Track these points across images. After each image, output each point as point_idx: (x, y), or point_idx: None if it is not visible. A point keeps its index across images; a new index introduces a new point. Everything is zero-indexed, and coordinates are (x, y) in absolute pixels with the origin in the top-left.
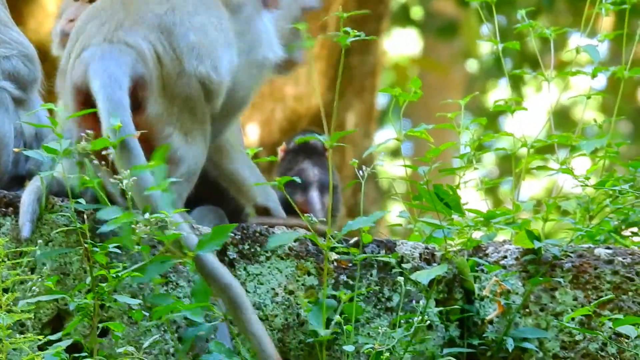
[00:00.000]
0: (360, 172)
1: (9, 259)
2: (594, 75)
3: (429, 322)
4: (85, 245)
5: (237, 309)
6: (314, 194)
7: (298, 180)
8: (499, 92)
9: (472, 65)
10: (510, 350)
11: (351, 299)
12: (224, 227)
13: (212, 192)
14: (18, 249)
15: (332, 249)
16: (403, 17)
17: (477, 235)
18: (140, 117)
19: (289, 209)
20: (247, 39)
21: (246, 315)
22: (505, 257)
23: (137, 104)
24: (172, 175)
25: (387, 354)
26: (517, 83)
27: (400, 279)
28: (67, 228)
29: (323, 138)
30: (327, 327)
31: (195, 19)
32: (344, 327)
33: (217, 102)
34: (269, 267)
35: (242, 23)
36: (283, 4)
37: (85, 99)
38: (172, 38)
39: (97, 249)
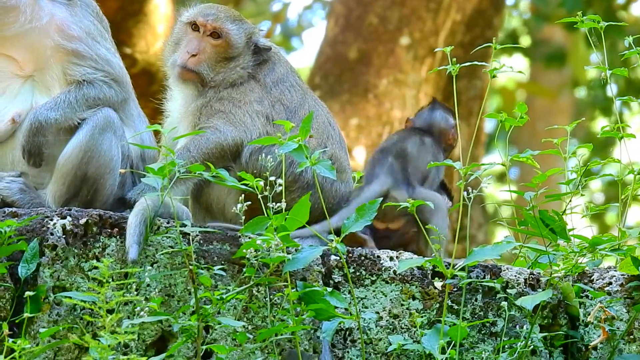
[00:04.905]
0: (465, 193)
1: (113, 280)
2: None
3: (532, 347)
4: (191, 267)
5: None
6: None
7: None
8: (605, 120)
9: (579, 91)
10: None
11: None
12: (367, 205)
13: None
14: (123, 270)
15: (441, 275)
16: (511, 44)
17: (582, 261)
18: None
19: None
20: None
21: None
22: (610, 283)
23: None
24: None
25: None
26: (621, 112)
27: (505, 304)
28: (172, 250)
29: (457, 165)
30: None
31: None
32: (448, 351)
33: None
34: (373, 291)
35: None
36: None
37: None
38: None
39: (203, 271)
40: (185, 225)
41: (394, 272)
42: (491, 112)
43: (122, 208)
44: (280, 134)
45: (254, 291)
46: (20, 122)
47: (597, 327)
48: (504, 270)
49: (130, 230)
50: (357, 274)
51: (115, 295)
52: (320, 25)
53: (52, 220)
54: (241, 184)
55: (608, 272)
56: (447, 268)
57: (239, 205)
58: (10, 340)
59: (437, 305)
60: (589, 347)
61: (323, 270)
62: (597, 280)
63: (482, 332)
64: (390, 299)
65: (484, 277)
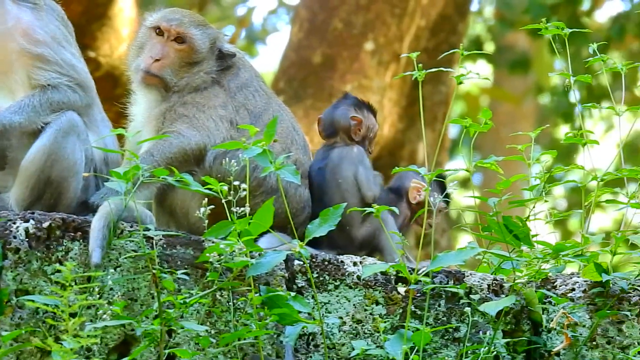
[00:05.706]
0: (432, 198)
1: (76, 284)
2: None
3: (495, 353)
4: (154, 271)
5: None
6: None
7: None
8: (567, 126)
9: (543, 97)
10: None
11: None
12: (331, 210)
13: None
14: (86, 274)
15: (404, 280)
16: (475, 50)
17: (545, 267)
18: None
19: None
20: None
21: None
22: (573, 289)
23: None
24: None
25: None
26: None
27: (468, 309)
28: (135, 254)
29: (422, 170)
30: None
31: None
32: (411, 356)
33: None
34: (337, 296)
35: None
36: None
37: None
38: None
39: (166, 275)
40: (148, 229)
41: (358, 277)
42: (455, 118)
43: (86, 212)
44: (244, 139)
45: (217, 295)
46: None
47: (560, 333)
48: (468, 276)
49: (94, 234)
50: (321, 278)
51: (78, 299)
52: (285, 29)
53: (15, 223)
54: (205, 189)
55: (571, 278)
56: (411, 273)
57: (202, 210)
58: None
59: (401, 310)
60: (552, 353)
61: (286, 274)
62: (560, 286)
63: (445, 337)
64: (354, 304)
65: (448, 283)
